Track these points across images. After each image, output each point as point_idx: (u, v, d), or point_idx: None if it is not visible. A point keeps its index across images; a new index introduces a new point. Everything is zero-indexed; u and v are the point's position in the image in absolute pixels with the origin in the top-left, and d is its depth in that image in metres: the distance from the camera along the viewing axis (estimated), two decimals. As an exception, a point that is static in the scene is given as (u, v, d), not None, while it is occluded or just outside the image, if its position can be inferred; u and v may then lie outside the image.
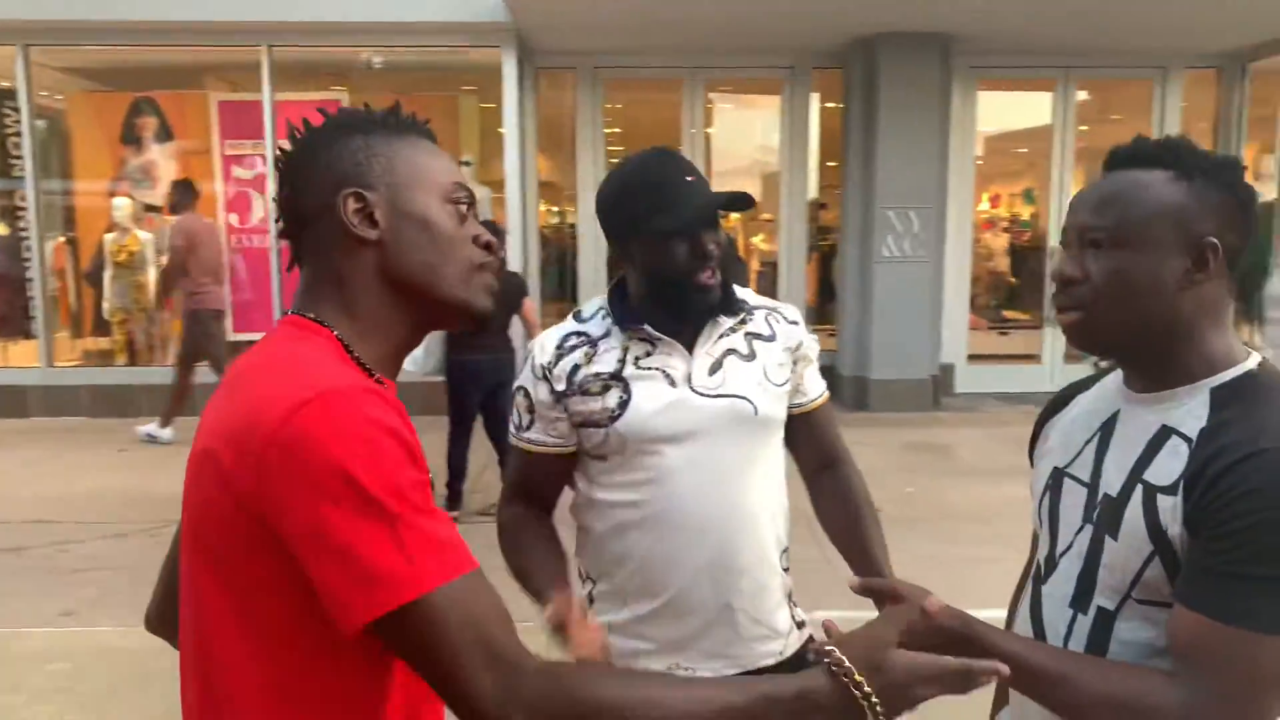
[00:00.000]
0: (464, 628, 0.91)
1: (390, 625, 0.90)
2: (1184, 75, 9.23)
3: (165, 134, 8.96)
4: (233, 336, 8.96)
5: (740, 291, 1.75)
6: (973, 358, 9.43)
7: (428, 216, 1.06)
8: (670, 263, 1.60)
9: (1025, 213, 13.46)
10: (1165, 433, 1.16)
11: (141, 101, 8.94)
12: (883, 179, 8.41)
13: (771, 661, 1.70)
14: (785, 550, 1.76)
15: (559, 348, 1.69)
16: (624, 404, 1.63)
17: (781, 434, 1.75)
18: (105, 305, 8.75)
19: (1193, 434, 1.13)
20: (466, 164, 9.24)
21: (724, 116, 10.02)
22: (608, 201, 1.67)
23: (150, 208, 9.02)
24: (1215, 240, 1.13)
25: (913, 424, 7.78)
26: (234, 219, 8.78)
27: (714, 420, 1.63)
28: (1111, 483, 1.20)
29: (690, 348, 1.66)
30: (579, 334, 1.71)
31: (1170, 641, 1.11)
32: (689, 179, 1.61)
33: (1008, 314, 11.06)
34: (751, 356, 1.69)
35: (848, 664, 0.99)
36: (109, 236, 8.64)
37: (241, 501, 0.94)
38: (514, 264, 8.65)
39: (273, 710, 0.98)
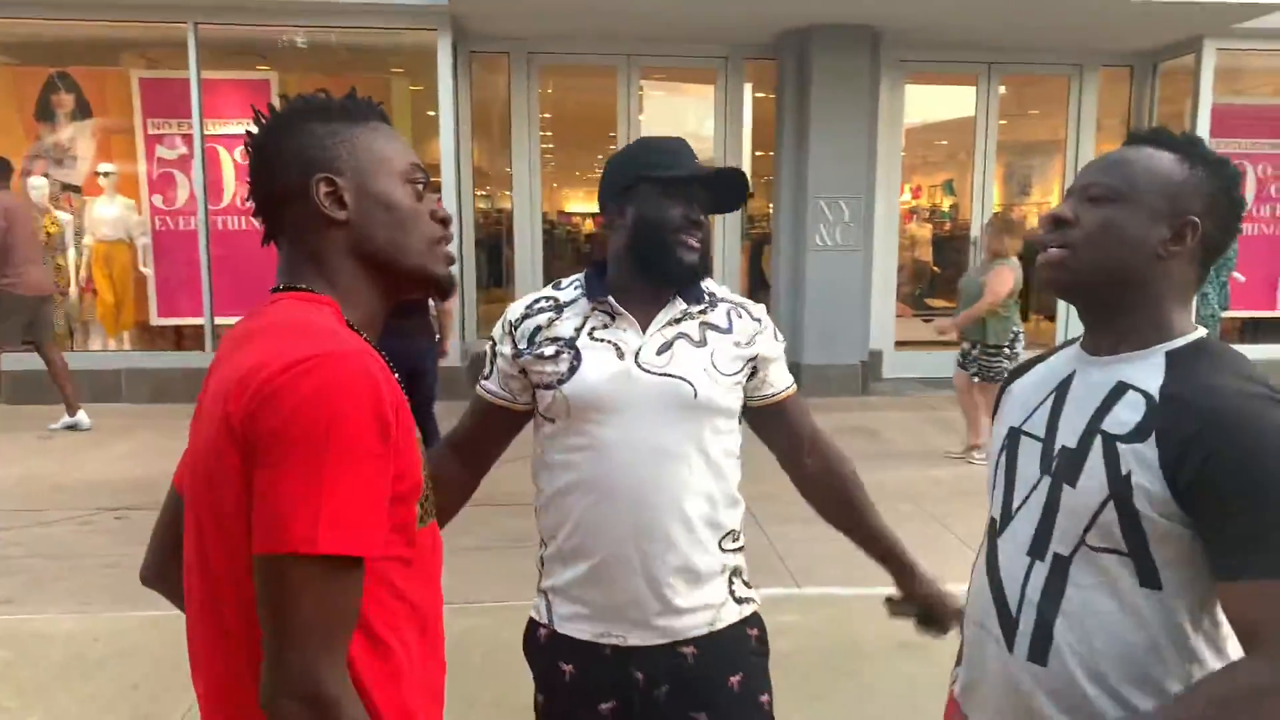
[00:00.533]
0: (317, 605, 0.97)
1: (265, 565, 0.98)
2: (1099, 73, 9.60)
3: (83, 111, 8.68)
4: (157, 321, 8.80)
5: (711, 285, 1.83)
6: (899, 344, 9.68)
7: (390, 197, 1.17)
8: (661, 215, 1.70)
9: (945, 204, 13.86)
10: (1121, 388, 1.25)
11: (57, 77, 8.64)
12: (815, 169, 8.58)
13: (701, 632, 1.73)
14: (730, 533, 1.78)
15: (528, 308, 1.80)
16: (572, 370, 1.71)
17: (731, 422, 1.79)
18: (22, 288, 8.45)
19: (1152, 390, 1.22)
20: (400, 147, 9.13)
21: (658, 104, 10.07)
22: (620, 155, 1.78)
23: (68, 187, 8.75)
24: (1197, 220, 1.25)
25: (843, 408, 7.98)
26: (158, 200, 8.55)
27: (654, 397, 1.69)
28: (1068, 436, 1.28)
29: (645, 327, 1.73)
30: (549, 299, 1.80)
31: (1231, 617, 1.17)
32: (696, 161, 1.75)
33: (931, 302, 11.39)
34: (702, 343, 1.74)
35: None
36: (25, 217, 8.35)
37: (234, 436, 1.01)
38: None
39: None
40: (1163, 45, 9.22)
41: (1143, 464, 1.18)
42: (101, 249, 8.61)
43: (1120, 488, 1.19)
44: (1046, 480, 1.30)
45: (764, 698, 1.81)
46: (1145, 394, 1.22)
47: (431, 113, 8.66)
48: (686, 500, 1.70)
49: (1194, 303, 9.00)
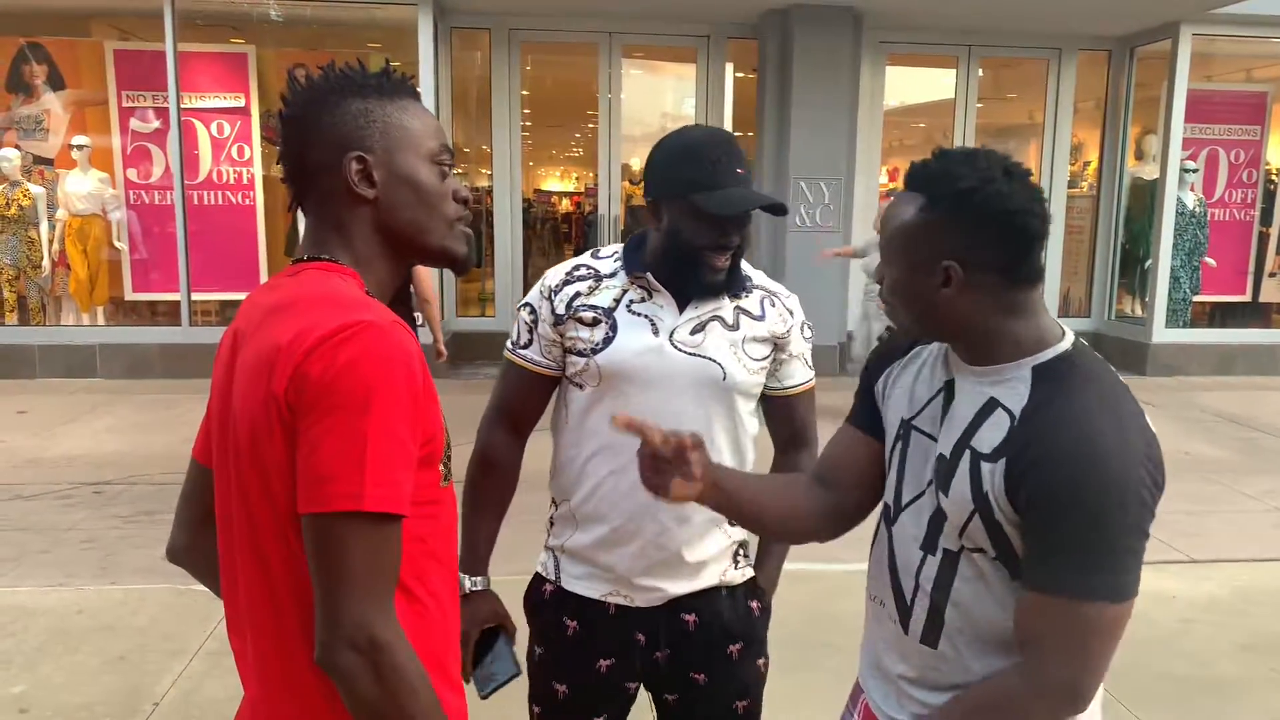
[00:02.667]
0: (366, 559, 1.03)
1: (314, 523, 1.03)
2: (1077, 57, 9.68)
3: (56, 83, 8.54)
4: (132, 296, 8.72)
5: (749, 270, 1.84)
6: (876, 325, 9.74)
7: (416, 178, 1.21)
8: (694, 236, 1.69)
9: (923, 187, 13.90)
10: (992, 404, 1.29)
11: (29, 48, 8.50)
12: (795, 150, 8.60)
13: (702, 600, 1.80)
14: None
15: (567, 275, 1.81)
16: (608, 340, 1.73)
17: (752, 405, 1.83)
18: (-7, 261, 8.37)
19: (1015, 410, 1.26)
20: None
21: (639, 83, 10.04)
22: (664, 157, 1.74)
23: (40, 160, 8.62)
24: (953, 262, 1.25)
25: (821, 388, 8.00)
26: (132, 174, 8.45)
27: (683, 375, 1.72)
28: (946, 444, 1.34)
29: (682, 306, 1.76)
30: (588, 268, 1.81)
31: (1014, 623, 1.26)
32: (739, 171, 1.69)
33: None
34: (734, 327, 1.77)
35: None
36: (-4, 189, 8.26)
37: (278, 406, 1.06)
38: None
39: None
40: (1140, 30, 9.30)
41: (995, 483, 1.25)
42: (75, 223, 8.49)
43: (982, 503, 1.27)
44: (933, 483, 1.36)
45: (760, 661, 1.89)
46: (1010, 413, 1.27)
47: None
48: None
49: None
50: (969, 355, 1.34)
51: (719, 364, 1.74)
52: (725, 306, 1.78)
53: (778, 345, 1.82)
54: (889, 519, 1.45)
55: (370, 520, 1.02)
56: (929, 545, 1.35)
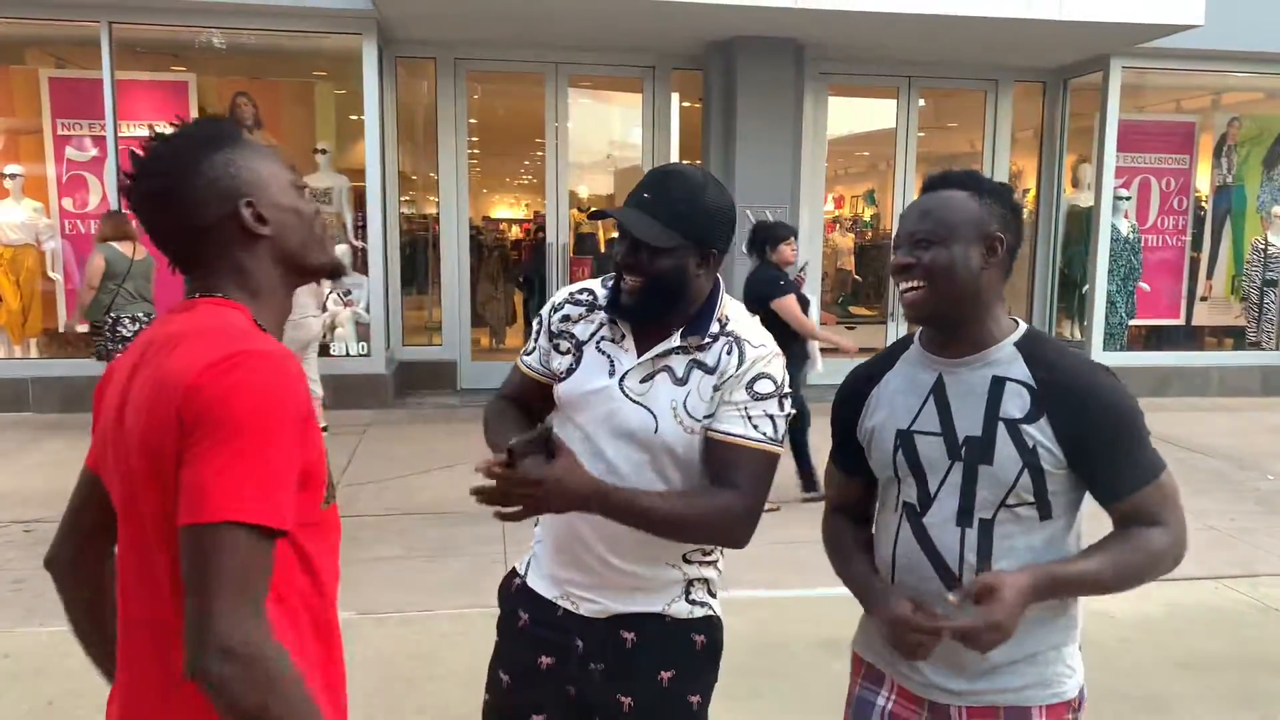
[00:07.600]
0: (238, 569, 1.06)
1: (193, 534, 1.07)
2: (1013, 88, 9.92)
3: (-15, 110, 8.36)
4: (65, 328, 8.49)
5: (732, 311, 1.78)
6: (824, 350, 9.81)
7: (295, 205, 1.32)
8: (614, 253, 1.79)
9: (867, 214, 14.15)
10: (999, 381, 1.62)
11: (-42, 76, 8.32)
12: (741, 179, 8.68)
13: (643, 622, 1.81)
14: (699, 549, 1.82)
15: (570, 295, 1.88)
16: (570, 371, 1.81)
17: (692, 459, 1.74)
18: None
19: (1025, 379, 1.60)
20: (323, 152, 8.98)
21: (586, 111, 10.09)
22: None
23: (-29, 188, 8.41)
24: (1001, 235, 1.61)
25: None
26: (68, 203, 8.27)
27: (622, 420, 1.74)
28: (970, 428, 1.62)
29: (641, 352, 1.75)
30: (590, 294, 1.87)
31: (1132, 517, 1.60)
32: (645, 195, 1.71)
33: (854, 310, 11.62)
34: (682, 382, 1.74)
35: None
36: (-77, 218, 8.04)
37: (168, 434, 1.11)
38: (374, 255, 8.48)
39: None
40: (1073, 63, 9.57)
41: (1044, 436, 1.58)
42: (7, 253, 8.29)
43: (1030, 458, 1.58)
44: (959, 465, 1.62)
45: (694, 698, 1.84)
46: (1023, 384, 1.60)
47: (355, 117, 8.55)
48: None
49: (1101, 311, 9.38)
50: (957, 345, 1.65)
51: (654, 416, 1.73)
52: (678, 359, 1.75)
53: (716, 388, 1.73)
54: (916, 513, 1.65)
55: (247, 531, 1.06)
56: (965, 520, 1.61)
